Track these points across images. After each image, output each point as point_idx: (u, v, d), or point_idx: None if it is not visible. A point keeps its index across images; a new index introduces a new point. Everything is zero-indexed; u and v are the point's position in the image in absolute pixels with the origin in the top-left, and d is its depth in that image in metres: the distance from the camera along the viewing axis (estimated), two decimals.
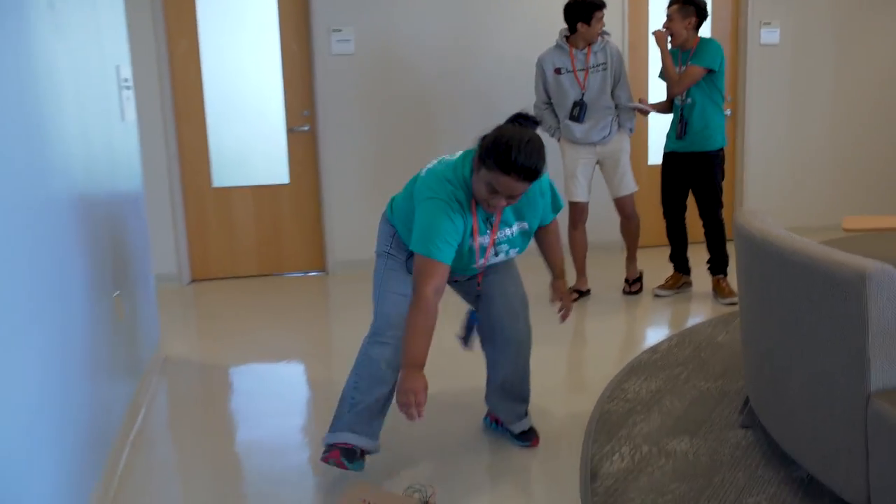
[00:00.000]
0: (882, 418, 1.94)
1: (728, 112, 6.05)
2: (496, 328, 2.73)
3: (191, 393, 3.47)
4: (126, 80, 3.45)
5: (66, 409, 2.17)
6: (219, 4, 5.29)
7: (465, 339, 2.80)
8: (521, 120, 2.38)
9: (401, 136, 5.57)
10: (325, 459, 2.51)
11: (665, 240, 4.81)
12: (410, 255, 2.58)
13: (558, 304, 2.81)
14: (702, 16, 4.36)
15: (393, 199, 2.70)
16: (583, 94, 4.45)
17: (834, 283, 2.03)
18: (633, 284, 4.82)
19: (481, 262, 2.56)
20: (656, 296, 4.72)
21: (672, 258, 4.77)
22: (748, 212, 2.71)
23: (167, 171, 5.26)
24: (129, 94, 3.53)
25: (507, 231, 2.54)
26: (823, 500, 2.33)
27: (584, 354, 3.86)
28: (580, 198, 4.64)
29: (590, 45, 4.42)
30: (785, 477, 2.50)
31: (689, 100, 4.43)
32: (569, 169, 4.63)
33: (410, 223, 2.52)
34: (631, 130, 4.60)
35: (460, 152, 2.50)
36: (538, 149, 2.26)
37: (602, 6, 4.35)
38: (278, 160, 5.51)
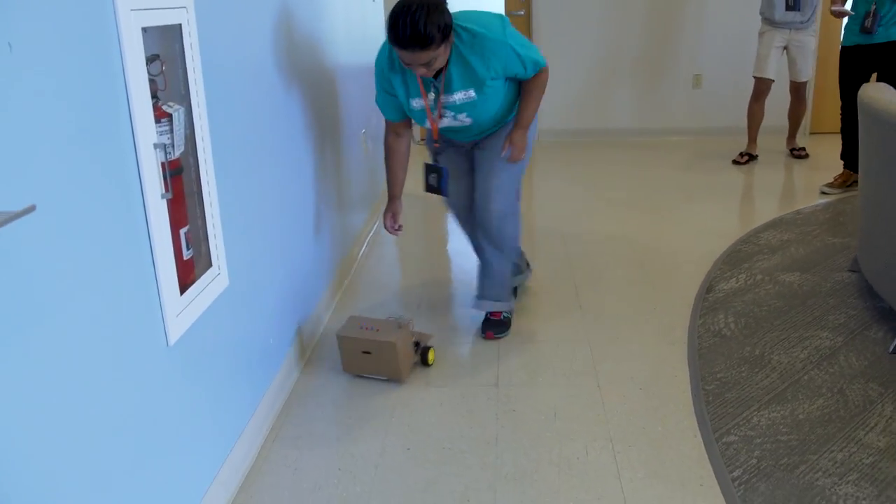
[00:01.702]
0: None
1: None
2: (473, 206, 2.88)
3: (412, 215, 4.51)
4: None
5: (334, 221, 3.24)
6: None
7: (442, 188, 2.88)
8: None
9: (603, 24, 6.15)
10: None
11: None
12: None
13: (506, 144, 2.72)
14: None
15: None
16: None
17: None
18: (800, 150, 5.50)
19: (438, 123, 2.65)
20: (822, 193, 4.67)
21: (843, 156, 4.74)
22: (872, 86, 3.14)
23: None
24: None
25: (459, 95, 2.56)
26: (893, 325, 2.88)
27: (736, 207, 4.41)
28: (767, 74, 5.23)
29: None
30: (869, 306, 3.05)
31: None
32: (763, 48, 5.21)
33: None
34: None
35: None
36: (428, 15, 2.27)
37: None
38: None
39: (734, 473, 2.06)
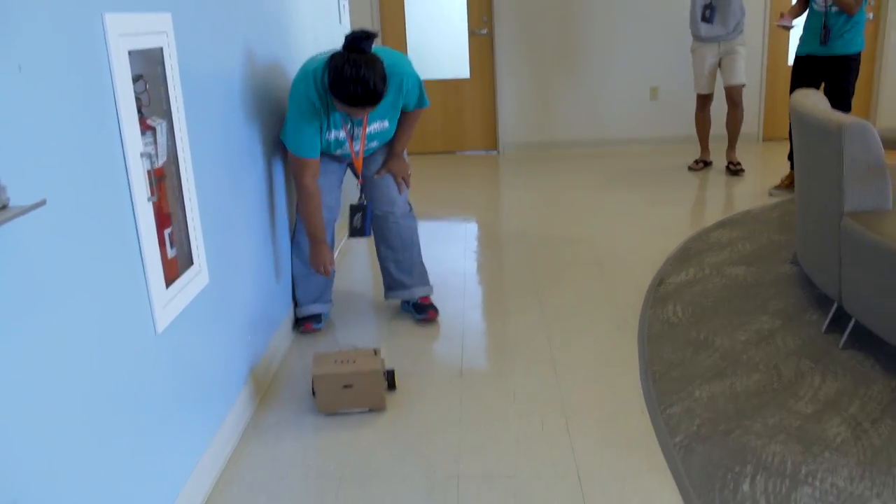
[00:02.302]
0: (849, 232, 2.72)
1: (870, 16, 6.31)
2: (381, 212, 3.08)
3: None
4: None
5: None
6: None
7: (366, 229, 3.07)
8: (357, 44, 2.49)
9: (563, 43, 6.43)
10: (303, 331, 3.08)
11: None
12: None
13: (383, 173, 3.01)
14: None
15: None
16: None
17: (827, 132, 2.79)
18: (736, 165, 5.53)
19: (356, 148, 2.84)
20: (770, 195, 4.88)
21: (790, 156, 4.88)
22: (800, 92, 3.40)
23: None
24: (345, 3, 4.71)
25: (374, 126, 2.83)
26: (826, 309, 3.12)
27: (689, 210, 4.66)
28: (705, 90, 5.51)
29: None
30: (807, 294, 3.29)
31: (834, 8, 4.53)
32: (696, 66, 5.48)
33: None
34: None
35: (329, 52, 2.66)
36: (375, 74, 2.44)
37: None
38: (461, 59, 6.60)
39: (676, 439, 2.28)
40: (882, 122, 6.43)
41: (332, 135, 2.77)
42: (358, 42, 2.49)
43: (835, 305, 2.91)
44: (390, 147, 3.01)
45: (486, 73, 6.62)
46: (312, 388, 2.57)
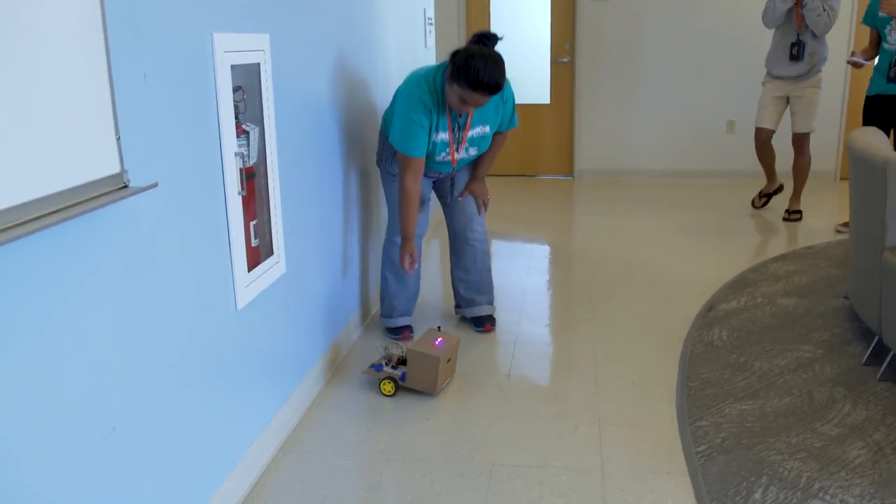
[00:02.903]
0: (889, 266, 2.82)
1: (565, 60, 6.60)
2: (458, 231, 3.31)
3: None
4: (430, 19, 4.94)
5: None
6: None
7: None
8: (484, 40, 2.78)
9: (640, 74, 6.59)
10: (402, 339, 3.29)
11: None
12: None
13: (466, 194, 3.25)
14: None
15: (386, 113, 3.10)
16: (798, 34, 5.03)
17: (873, 167, 2.90)
18: (793, 214, 5.32)
19: (457, 155, 3.01)
20: (838, 232, 4.94)
21: None
22: (858, 130, 3.50)
23: None
24: (431, 28, 5.02)
25: (476, 130, 3.00)
26: (870, 342, 3.20)
27: (753, 242, 4.74)
28: (763, 124, 5.29)
29: None
30: (853, 327, 3.37)
31: None
32: (762, 99, 5.31)
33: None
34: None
35: (435, 63, 2.96)
36: (500, 67, 2.71)
37: None
38: (542, 85, 6.83)
39: (699, 448, 2.43)
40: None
41: (439, 136, 2.92)
42: (485, 39, 2.78)
43: (876, 338, 3.00)
44: (474, 170, 3.25)
45: (565, 100, 6.84)
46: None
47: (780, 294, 3.80)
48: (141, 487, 1.68)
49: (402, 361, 2.86)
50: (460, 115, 2.92)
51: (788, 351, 3.14)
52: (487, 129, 3.03)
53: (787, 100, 5.27)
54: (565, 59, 6.75)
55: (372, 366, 2.89)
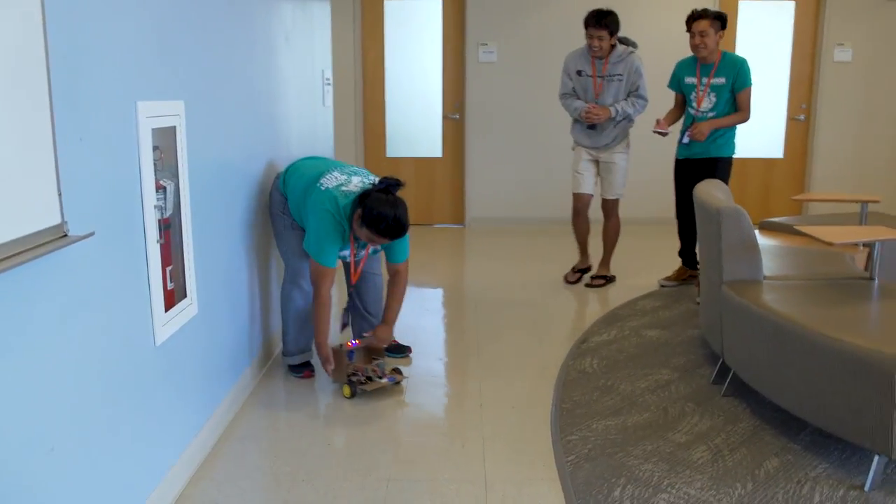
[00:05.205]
0: (726, 299, 3.30)
1: (802, 118, 7.13)
2: (367, 293, 3.71)
3: None
4: (328, 79, 5.30)
5: None
6: (399, 24, 7.14)
7: (346, 323, 3.77)
8: (390, 188, 3.16)
9: (528, 128, 7.15)
10: (304, 377, 3.56)
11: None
12: (293, 222, 3.41)
13: (369, 337, 3.52)
14: (724, 27, 4.62)
15: (286, 175, 3.42)
16: (595, 101, 4.88)
17: (710, 214, 3.40)
18: (597, 279, 5.17)
19: (358, 260, 3.44)
20: (662, 286, 5.09)
21: (681, 254, 5.13)
22: (704, 182, 4.04)
23: (354, 143, 7.21)
24: (329, 89, 5.37)
25: (374, 247, 3.41)
26: (716, 364, 3.67)
27: (626, 284, 5.22)
28: (581, 189, 5.14)
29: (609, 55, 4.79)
30: (706, 353, 3.85)
31: (712, 114, 4.67)
32: (573, 166, 5.15)
33: (301, 208, 3.30)
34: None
35: (355, 188, 3.22)
36: (405, 214, 3.14)
37: (590, 24, 4.74)
38: (435, 139, 7.29)
39: (569, 458, 2.80)
40: (812, 211, 7.14)
41: (342, 253, 3.33)
42: (392, 187, 3.17)
43: (720, 361, 3.47)
44: (384, 314, 3.52)
45: (457, 154, 7.30)
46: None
47: (645, 327, 4.27)
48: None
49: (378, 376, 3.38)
50: (365, 243, 3.34)
51: (649, 375, 3.58)
52: (378, 246, 3.41)
53: (598, 164, 5.12)
54: (456, 116, 7.23)
55: (349, 352, 3.40)
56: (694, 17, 4.63)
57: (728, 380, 3.36)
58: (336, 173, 3.32)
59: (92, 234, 1.82)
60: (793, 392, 2.87)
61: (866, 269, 4.08)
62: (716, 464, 2.76)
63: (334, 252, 3.25)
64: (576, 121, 5.08)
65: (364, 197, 3.13)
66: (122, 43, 2.14)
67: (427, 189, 7.39)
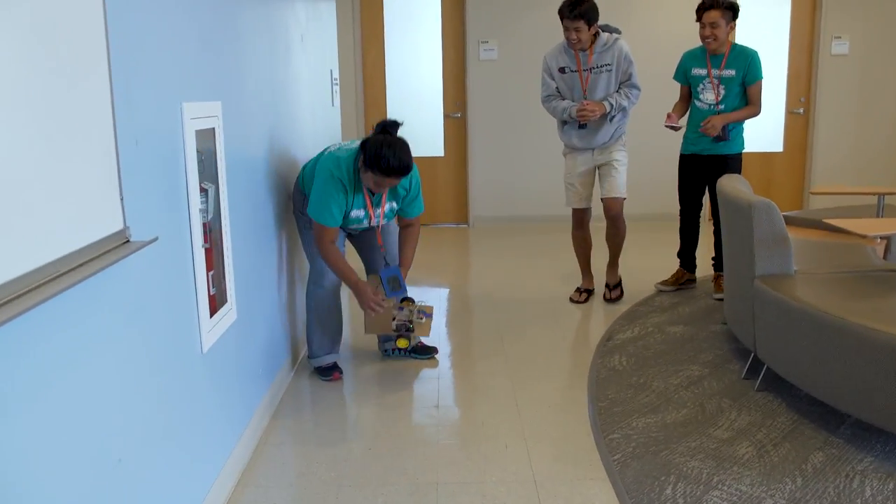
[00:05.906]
0: (759, 293, 3.29)
1: (801, 111, 7.17)
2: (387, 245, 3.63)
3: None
4: (336, 79, 5.24)
5: None
6: (399, 23, 7.08)
7: (402, 287, 3.51)
8: (388, 129, 3.14)
9: (531, 125, 7.12)
10: (332, 379, 3.52)
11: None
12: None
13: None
14: (736, 18, 4.50)
15: (304, 172, 3.39)
16: (585, 97, 4.42)
17: (741, 209, 3.38)
18: (613, 290, 4.78)
19: (374, 222, 3.37)
20: (659, 291, 4.88)
21: (680, 255, 4.94)
22: (725, 177, 4.03)
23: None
24: (336, 89, 5.31)
25: (388, 206, 3.38)
26: (746, 359, 3.66)
27: (641, 279, 5.22)
28: (576, 206, 4.69)
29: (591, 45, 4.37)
30: (732, 348, 3.84)
31: (721, 106, 4.52)
32: (567, 178, 4.67)
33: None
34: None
35: (356, 145, 3.22)
36: (407, 151, 3.09)
37: (564, 16, 4.32)
38: (436, 138, 7.25)
39: (615, 457, 2.77)
40: (813, 206, 7.17)
41: (354, 213, 3.28)
42: (389, 127, 3.15)
43: (752, 356, 3.46)
44: (401, 259, 3.53)
45: (459, 152, 7.26)
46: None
47: (667, 323, 4.26)
48: None
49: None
50: (374, 195, 3.30)
51: (680, 371, 3.56)
52: (395, 204, 3.41)
53: (596, 170, 4.64)
54: (457, 114, 7.19)
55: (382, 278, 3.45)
56: (704, 7, 4.46)
57: (761, 375, 3.35)
58: (343, 144, 3.35)
59: (156, 238, 1.77)
60: (834, 385, 2.86)
61: (885, 259, 4.09)
62: (762, 459, 2.74)
63: (335, 210, 3.18)
64: (564, 123, 4.58)
65: (364, 146, 3.13)
66: (168, 42, 2.09)
67: (430, 189, 7.33)
